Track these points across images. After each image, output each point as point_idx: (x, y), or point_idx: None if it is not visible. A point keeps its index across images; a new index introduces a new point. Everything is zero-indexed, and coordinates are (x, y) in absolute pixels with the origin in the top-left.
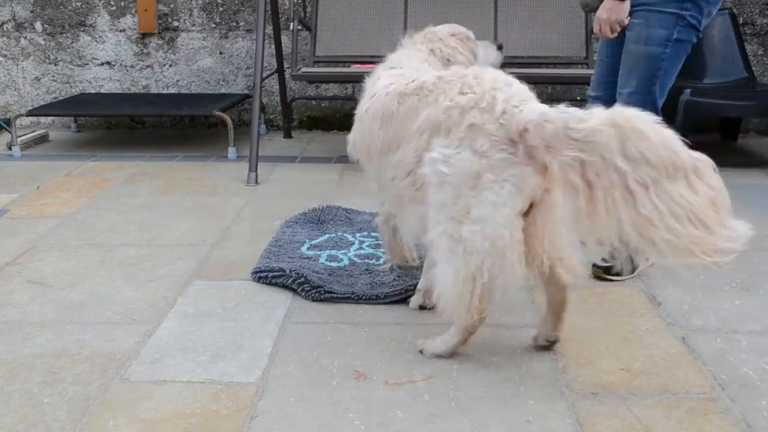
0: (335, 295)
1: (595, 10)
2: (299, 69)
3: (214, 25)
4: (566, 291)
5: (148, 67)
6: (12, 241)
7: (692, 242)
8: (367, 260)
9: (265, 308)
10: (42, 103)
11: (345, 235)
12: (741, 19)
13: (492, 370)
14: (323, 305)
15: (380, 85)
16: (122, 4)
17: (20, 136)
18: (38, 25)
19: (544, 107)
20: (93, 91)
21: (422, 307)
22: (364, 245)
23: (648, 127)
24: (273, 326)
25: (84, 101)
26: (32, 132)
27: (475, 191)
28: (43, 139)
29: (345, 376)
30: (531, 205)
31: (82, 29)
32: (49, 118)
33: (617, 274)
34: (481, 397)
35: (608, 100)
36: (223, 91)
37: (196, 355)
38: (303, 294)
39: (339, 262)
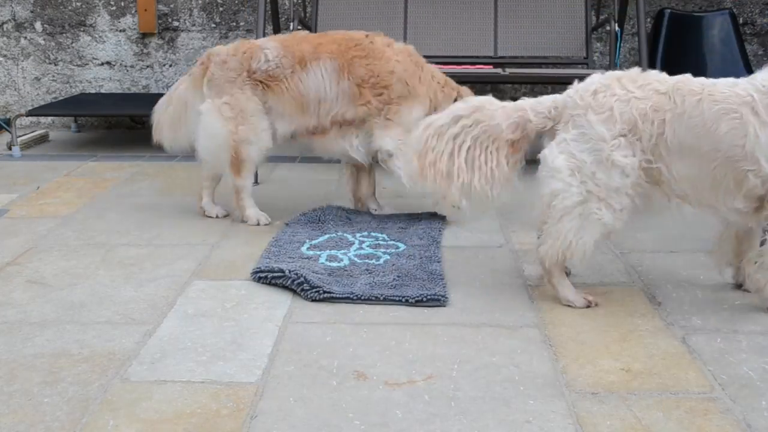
0: (334, 295)
1: None
2: None
3: (214, 25)
4: None
5: (148, 67)
6: (12, 241)
7: None
8: (367, 260)
9: (265, 308)
10: (42, 103)
11: (345, 235)
12: (741, 19)
13: (492, 370)
14: (323, 305)
15: None
16: (122, 4)
17: (20, 136)
18: (38, 25)
19: None
20: (93, 91)
21: None
22: (364, 245)
23: None
24: (273, 326)
25: (84, 101)
26: (32, 132)
27: None
28: (43, 139)
29: (345, 376)
30: None
31: (82, 29)
32: (49, 118)
33: None
34: (481, 397)
35: None
36: None
37: (196, 355)
38: (302, 294)
39: (339, 262)
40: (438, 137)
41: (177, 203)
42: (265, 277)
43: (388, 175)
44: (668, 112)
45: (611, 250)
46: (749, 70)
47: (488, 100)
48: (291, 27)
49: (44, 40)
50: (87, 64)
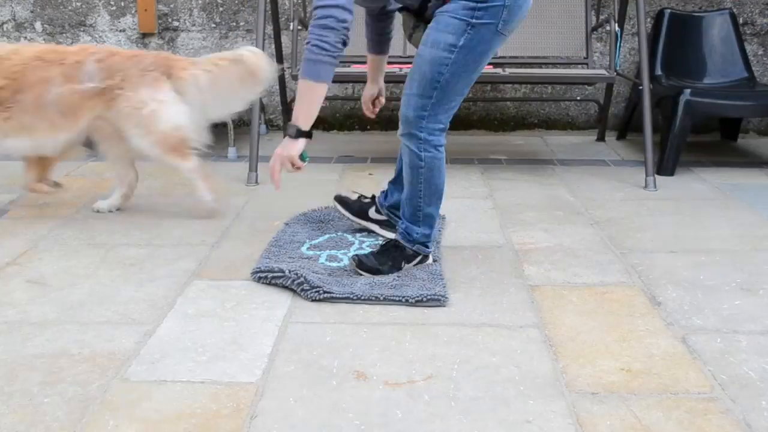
0: (334, 295)
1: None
2: (299, 69)
3: (214, 25)
4: None
5: None
6: (12, 241)
7: None
8: None
9: (265, 308)
10: None
11: (345, 235)
12: (741, 19)
13: (492, 370)
14: (323, 305)
15: None
16: (122, 4)
17: None
18: (38, 25)
19: None
20: None
21: None
22: (364, 245)
23: None
24: (273, 326)
25: None
26: None
27: None
28: None
29: (345, 376)
30: None
31: (82, 29)
32: None
33: None
34: (481, 397)
35: None
36: None
37: (196, 355)
38: (302, 294)
39: (339, 262)
40: None
41: (177, 203)
42: (265, 277)
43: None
44: None
45: (611, 250)
46: (749, 70)
47: None
48: (291, 27)
49: (44, 40)
50: None
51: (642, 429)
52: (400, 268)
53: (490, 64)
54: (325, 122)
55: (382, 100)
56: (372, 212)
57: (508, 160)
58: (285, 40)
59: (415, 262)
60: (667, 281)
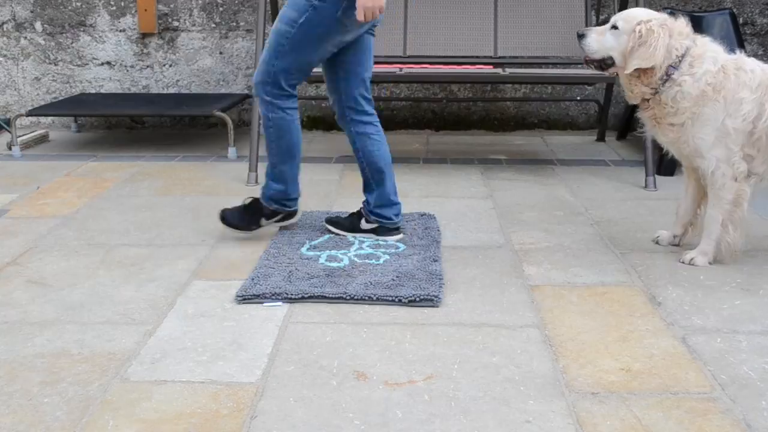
0: (326, 296)
1: None
2: None
3: (214, 25)
4: None
5: (148, 67)
6: (12, 241)
7: None
8: (366, 260)
9: (265, 308)
10: (42, 103)
11: (345, 235)
12: (741, 19)
13: (492, 370)
14: (323, 305)
15: None
16: (122, 4)
17: (20, 136)
18: (38, 25)
19: None
20: (93, 91)
21: None
22: (364, 245)
23: None
24: (273, 326)
25: (84, 101)
26: (32, 132)
27: None
28: (43, 139)
29: (345, 376)
30: None
31: (82, 29)
32: (49, 118)
33: None
34: (481, 397)
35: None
36: (223, 91)
37: (196, 355)
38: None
39: (339, 262)
40: None
41: (177, 203)
42: (251, 298)
43: None
44: None
45: (611, 250)
46: None
47: None
48: None
49: (44, 40)
50: (87, 64)
51: (642, 429)
52: (258, 225)
53: (489, 64)
54: (325, 122)
55: None
56: (363, 224)
57: (508, 160)
58: None
59: (275, 219)
60: (667, 281)
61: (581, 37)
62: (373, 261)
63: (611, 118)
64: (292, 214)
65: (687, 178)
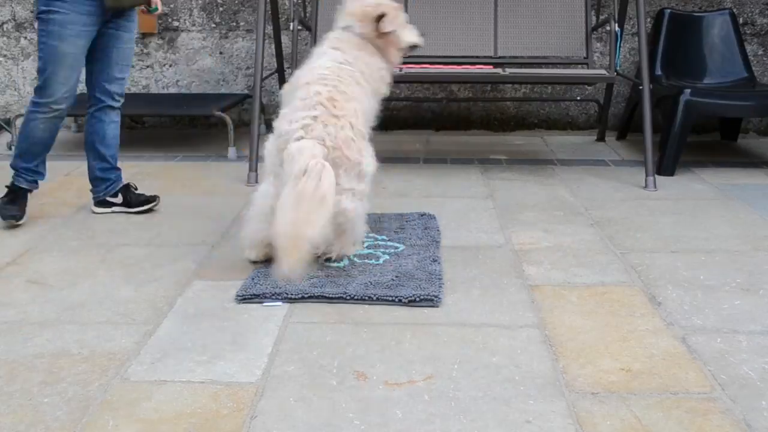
0: (326, 296)
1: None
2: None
3: (214, 25)
4: None
5: (148, 67)
6: (12, 241)
7: None
8: (366, 260)
9: (265, 308)
10: None
11: None
12: (741, 19)
13: (492, 370)
14: (323, 305)
15: None
16: None
17: None
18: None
19: None
20: None
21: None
22: (363, 245)
23: None
24: (273, 326)
25: (84, 101)
26: None
27: None
28: None
29: (345, 376)
30: None
31: None
32: None
33: None
34: (481, 397)
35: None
36: (223, 91)
37: (196, 355)
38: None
39: (338, 262)
40: None
41: (177, 203)
42: (250, 298)
43: (388, 175)
44: None
45: (611, 250)
46: (749, 70)
47: None
48: (291, 27)
49: None
50: None
51: (642, 429)
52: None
53: (489, 64)
54: None
55: None
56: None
57: (508, 160)
58: (285, 40)
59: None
60: (667, 281)
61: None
62: (373, 261)
63: (611, 118)
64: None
65: None
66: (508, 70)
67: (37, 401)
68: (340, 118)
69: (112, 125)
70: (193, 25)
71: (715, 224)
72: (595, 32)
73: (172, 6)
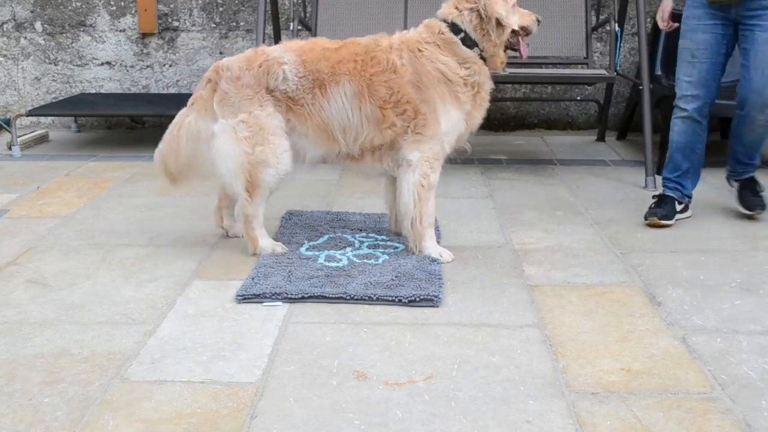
0: (326, 296)
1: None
2: None
3: (214, 25)
4: None
5: (148, 67)
6: (12, 241)
7: None
8: (365, 260)
9: (265, 308)
10: (42, 103)
11: (344, 235)
12: None
13: (492, 370)
14: (323, 305)
15: None
16: (122, 4)
17: (20, 136)
18: (38, 25)
19: None
20: (93, 91)
21: None
22: (363, 245)
23: None
24: (273, 326)
25: (84, 101)
26: (32, 132)
27: None
28: (43, 139)
29: (345, 376)
30: None
31: (82, 29)
32: (49, 118)
33: None
34: (481, 397)
35: (707, 99)
36: None
37: (196, 355)
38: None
39: (338, 262)
40: None
41: (177, 203)
42: (250, 298)
43: None
44: None
45: (611, 250)
46: None
47: None
48: (291, 27)
49: (44, 40)
50: (87, 64)
51: (642, 429)
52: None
53: None
54: None
55: None
56: (678, 209)
57: (508, 160)
58: (285, 40)
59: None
60: (667, 281)
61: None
62: (372, 261)
63: (611, 118)
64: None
65: None
66: (508, 70)
67: (37, 401)
68: None
69: None
70: (193, 25)
71: (715, 224)
72: (595, 32)
73: (172, 6)
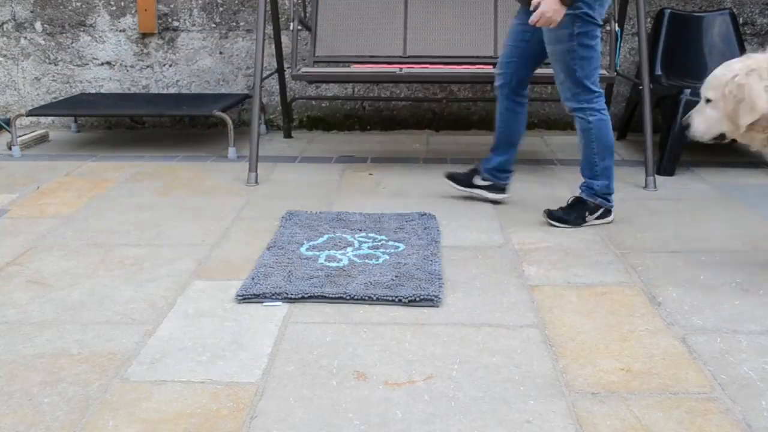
0: (326, 296)
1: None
2: (299, 69)
3: (214, 25)
4: None
5: (148, 67)
6: (12, 241)
7: None
8: (366, 260)
9: (265, 308)
10: (42, 103)
11: (344, 236)
12: (741, 19)
13: (492, 370)
14: (323, 305)
15: None
16: (122, 4)
17: (20, 136)
18: (38, 25)
19: None
20: (93, 91)
21: None
22: (363, 246)
23: None
24: (273, 326)
25: (84, 101)
26: (32, 132)
27: None
28: (43, 139)
29: (345, 376)
30: None
31: (82, 29)
32: (49, 118)
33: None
34: (481, 397)
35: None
36: (223, 91)
37: (196, 355)
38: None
39: (338, 262)
40: None
41: (177, 203)
42: (250, 298)
43: (388, 175)
44: None
45: (611, 250)
46: None
47: None
48: (291, 27)
49: (44, 40)
50: (87, 64)
51: (642, 429)
52: (584, 219)
53: (489, 64)
54: (325, 122)
55: None
56: (477, 179)
57: None
58: (285, 40)
59: (597, 214)
60: (667, 281)
61: (687, 126)
62: (373, 261)
63: (611, 118)
64: (610, 211)
65: None
66: None
67: (37, 401)
68: None
69: None
70: (193, 25)
71: (716, 224)
72: None
73: (172, 6)
